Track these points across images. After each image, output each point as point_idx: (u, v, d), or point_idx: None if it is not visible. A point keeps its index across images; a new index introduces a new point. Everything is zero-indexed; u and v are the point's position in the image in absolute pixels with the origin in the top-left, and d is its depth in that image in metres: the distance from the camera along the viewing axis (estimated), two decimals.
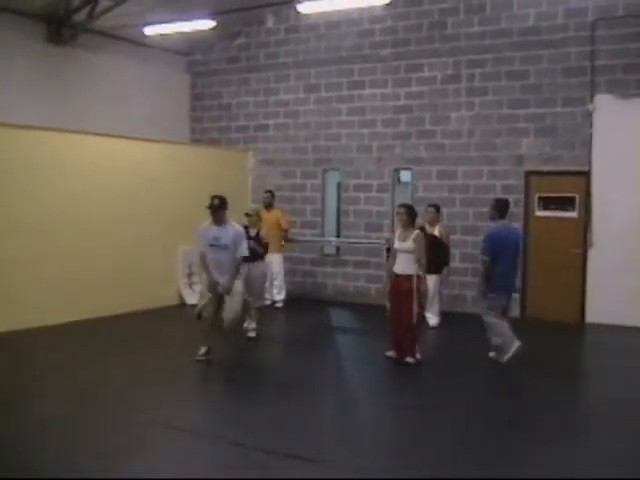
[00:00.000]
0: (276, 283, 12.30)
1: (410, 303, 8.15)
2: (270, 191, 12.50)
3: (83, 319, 10.37)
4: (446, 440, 5.94)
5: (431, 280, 9.63)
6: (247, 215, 10.04)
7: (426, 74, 12.50)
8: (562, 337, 10.49)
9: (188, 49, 14.73)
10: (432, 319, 10.54)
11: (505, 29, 11.86)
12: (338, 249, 13.61)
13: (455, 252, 11.99)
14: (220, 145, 14.48)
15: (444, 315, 10.99)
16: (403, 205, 8.71)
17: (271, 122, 14.08)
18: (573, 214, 11.47)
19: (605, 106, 11.12)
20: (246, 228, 9.40)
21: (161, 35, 12.61)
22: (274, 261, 11.80)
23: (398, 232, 8.50)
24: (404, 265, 8.28)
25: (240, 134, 14.47)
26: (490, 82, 11.98)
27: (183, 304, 12.31)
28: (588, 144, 11.26)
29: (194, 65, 15.02)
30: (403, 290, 8.21)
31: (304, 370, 8.26)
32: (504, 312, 8.51)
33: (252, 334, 9.68)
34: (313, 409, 6.74)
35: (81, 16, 11.93)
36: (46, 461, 5.31)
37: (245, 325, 9.50)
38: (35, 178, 10.08)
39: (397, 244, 8.36)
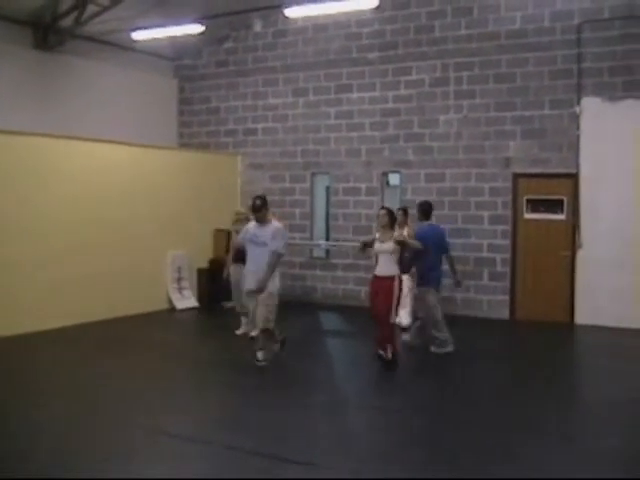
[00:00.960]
0: None
1: (389, 302, 8.22)
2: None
3: (75, 323, 10.37)
4: (440, 441, 5.95)
5: (404, 280, 9.42)
6: (237, 214, 10.50)
7: (414, 77, 12.53)
8: (552, 338, 10.52)
9: (176, 54, 14.71)
10: (404, 319, 10.26)
11: (492, 32, 11.90)
12: (327, 252, 13.62)
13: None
14: (209, 149, 14.46)
15: None
16: (384, 207, 8.94)
17: (260, 126, 14.08)
18: (561, 216, 11.52)
19: (592, 108, 11.18)
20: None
21: (149, 40, 12.59)
22: None
23: (378, 234, 8.58)
24: (385, 267, 8.36)
25: (229, 138, 14.46)
26: (477, 85, 12.02)
27: (173, 309, 12.29)
28: (575, 146, 11.31)
29: (182, 70, 15.00)
30: (383, 289, 8.27)
31: (295, 373, 8.27)
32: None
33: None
34: (306, 411, 6.73)
35: (68, 22, 11.89)
36: (46, 463, 5.34)
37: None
38: (24, 183, 10.05)
39: (377, 246, 8.44)
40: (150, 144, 12.49)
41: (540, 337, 10.56)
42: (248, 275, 8.38)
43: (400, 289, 8.39)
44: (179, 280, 12.58)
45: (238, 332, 10.11)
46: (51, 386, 7.55)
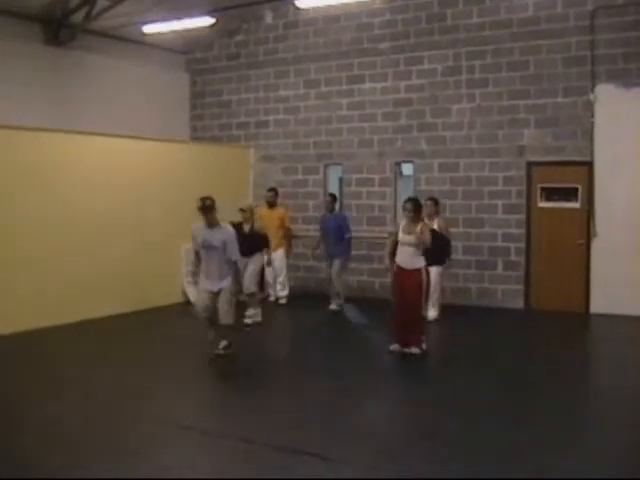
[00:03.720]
0: (279, 280, 12.31)
1: (419, 296, 8.25)
2: (274, 189, 12.43)
3: (92, 317, 10.43)
4: (456, 435, 5.93)
5: (432, 272, 9.51)
6: (241, 211, 10.24)
7: (426, 67, 12.46)
8: (567, 328, 10.48)
9: (187, 47, 14.71)
10: (431, 312, 10.37)
11: (504, 20, 11.80)
12: None
13: (458, 245, 11.98)
14: (221, 142, 14.47)
15: (448, 308, 10.98)
16: (410, 199, 8.73)
17: (272, 118, 14.06)
18: (576, 204, 11.43)
19: (606, 95, 11.07)
20: (240, 225, 9.85)
21: (160, 34, 12.60)
22: (276, 258, 11.77)
23: (403, 224, 8.50)
24: (411, 259, 8.34)
25: (241, 131, 14.46)
26: (490, 73, 11.93)
27: (187, 302, 12.32)
28: (590, 134, 11.21)
29: (193, 63, 15.00)
30: (411, 284, 8.25)
31: (310, 365, 8.28)
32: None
33: (249, 321, 10.18)
34: (321, 404, 6.74)
35: (79, 17, 11.91)
36: (62, 460, 5.37)
37: (247, 313, 10.21)
38: (38, 178, 10.09)
39: (402, 236, 8.39)
40: (162, 138, 12.51)
41: (555, 327, 10.51)
42: (205, 281, 8.22)
43: (428, 282, 8.45)
44: (194, 274, 12.60)
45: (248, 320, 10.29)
46: (67, 380, 7.59)
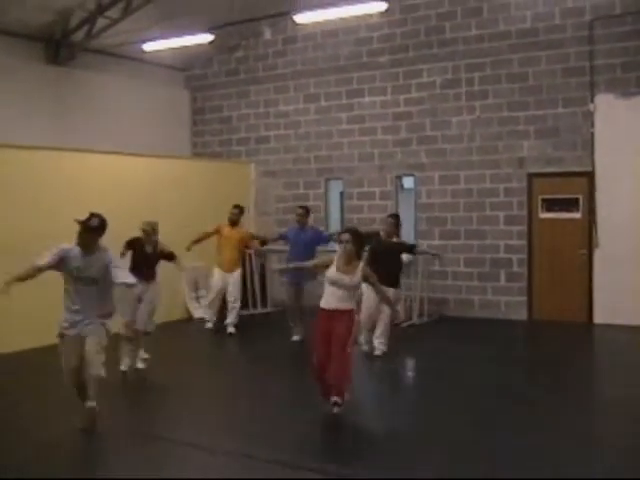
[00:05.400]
0: (232, 304, 11.00)
1: (345, 344, 6.53)
2: (239, 206, 11.25)
3: None
4: (461, 441, 5.90)
5: (389, 293, 8.19)
6: (143, 228, 8.63)
7: (425, 79, 12.49)
8: (571, 338, 10.44)
9: (186, 64, 14.77)
10: (379, 345, 9.19)
11: (503, 31, 11.83)
12: None
13: (460, 257, 12.02)
14: (222, 158, 14.49)
15: (450, 320, 10.94)
16: (347, 230, 7.06)
17: (272, 133, 14.09)
18: (577, 215, 11.40)
19: (606, 105, 11.07)
20: (139, 242, 8.54)
21: (159, 51, 12.65)
22: (231, 281, 10.88)
23: (337, 260, 6.71)
24: (341, 299, 6.62)
25: (241, 147, 14.49)
26: (490, 85, 11.94)
27: (190, 318, 12.32)
28: (590, 144, 11.20)
29: (193, 80, 15.06)
30: (338, 330, 6.53)
31: (299, 384, 8.20)
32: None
33: (141, 365, 8.57)
34: (320, 421, 6.69)
35: (79, 36, 11.99)
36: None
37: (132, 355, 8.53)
38: (39, 196, 10.06)
39: (333, 274, 6.63)
40: (163, 154, 12.54)
41: (558, 337, 10.47)
42: (71, 321, 6.29)
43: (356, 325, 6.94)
44: (196, 290, 12.62)
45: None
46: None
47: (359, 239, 6.76)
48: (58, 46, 12.14)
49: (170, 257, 8.83)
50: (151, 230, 8.62)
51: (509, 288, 11.86)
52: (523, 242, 11.75)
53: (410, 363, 9.61)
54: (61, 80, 12.34)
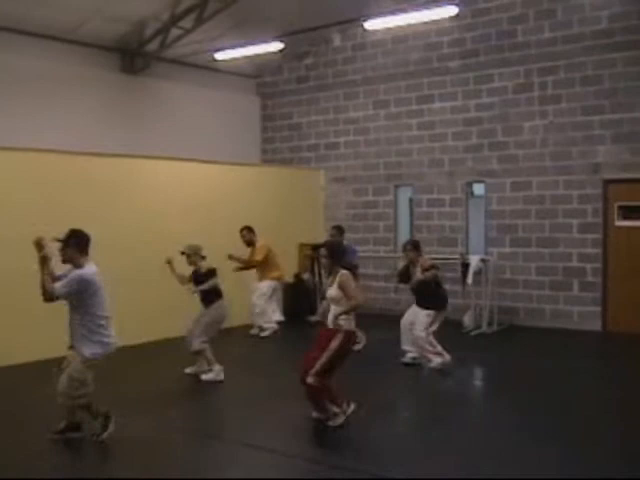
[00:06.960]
0: (256, 311, 11.42)
1: (325, 347, 6.45)
2: (247, 227, 11.38)
3: (156, 339, 10.47)
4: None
5: (420, 315, 8.72)
6: (183, 254, 8.61)
7: (496, 84, 12.26)
8: None
9: (257, 72, 14.96)
10: (436, 358, 8.88)
11: (577, 34, 11.50)
12: None
13: (531, 265, 11.75)
14: (291, 165, 14.59)
15: (520, 329, 10.67)
16: (324, 244, 7.27)
17: (341, 140, 14.10)
18: None
19: None
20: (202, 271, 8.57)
21: (230, 60, 12.86)
22: (257, 289, 11.41)
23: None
24: (334, 315, 6.51)
25: (311, 153, 14.56)
26: (563, 89, 11.62)
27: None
28: None
29: (263, 87, 15.23)
30: (320, 342, 6.54)
31: (373, 384, 8.17)
32: None
33: (204, 377, 8.47)
34: (392, 426, 6.64)
35: (153, 46, 12.31)
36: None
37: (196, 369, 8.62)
38: (115, 202, 10.34)
39: (327, 290, 6.73)
40: (234, 161, 12.70)
41: (635, 350, 10.07)
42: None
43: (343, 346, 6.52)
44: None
45: None
46: (137, 400, 7.72)
47: (334, 251, 6.77)
48: (133, 56, 12.51)
49: (210, 275, 8.61)
50: (192, 253, 8.59)
51: (582, 298, 11.50)
52: (598, 251, 11.37)
53: (477, 374, 9.43)
54: (136, 89, 12.72)
